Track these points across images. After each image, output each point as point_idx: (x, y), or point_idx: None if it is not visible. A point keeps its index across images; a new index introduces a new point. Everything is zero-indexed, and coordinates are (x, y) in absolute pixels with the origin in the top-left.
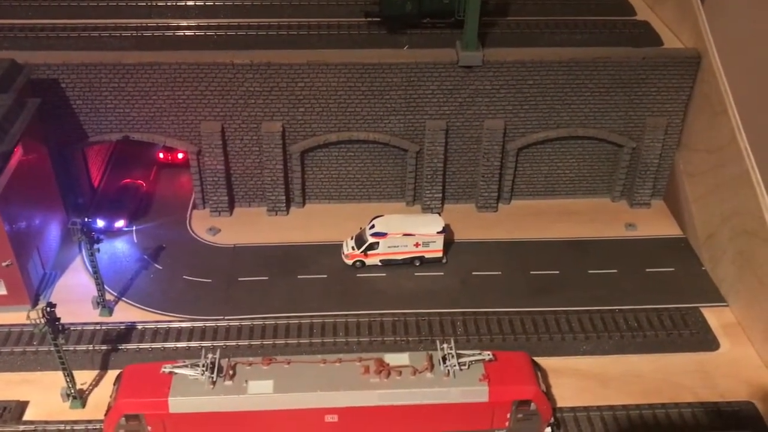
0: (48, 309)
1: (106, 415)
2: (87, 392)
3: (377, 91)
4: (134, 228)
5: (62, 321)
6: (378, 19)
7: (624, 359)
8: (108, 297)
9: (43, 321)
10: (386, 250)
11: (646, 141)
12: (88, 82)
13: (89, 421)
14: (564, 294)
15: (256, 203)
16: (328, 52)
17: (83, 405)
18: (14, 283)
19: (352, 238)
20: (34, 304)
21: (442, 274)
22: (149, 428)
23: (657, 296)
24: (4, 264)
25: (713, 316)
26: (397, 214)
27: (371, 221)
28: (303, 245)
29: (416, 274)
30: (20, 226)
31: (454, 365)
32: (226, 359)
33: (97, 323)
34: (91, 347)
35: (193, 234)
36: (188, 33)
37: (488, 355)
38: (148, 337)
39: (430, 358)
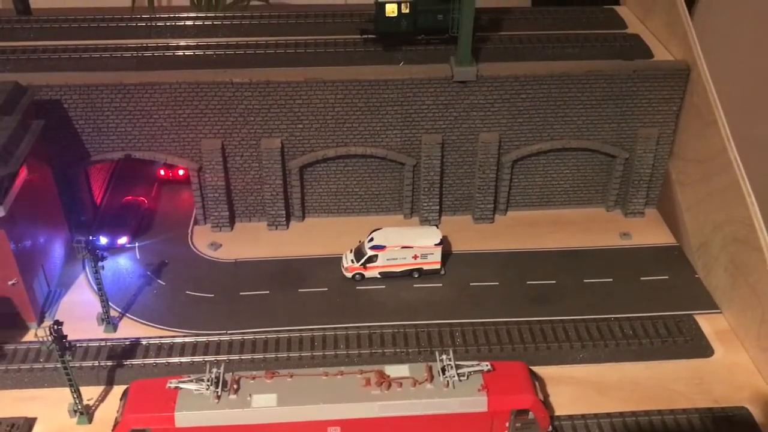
0: (55, 327)
1: (113, 430)
2: (94, 408)
3: (374, 107)
4: (137, 244)
5: (68, 338)
6: (373, 37)
7: (620, 367)
8: (112, 313)
9: (50, 338)
10: (385, 262)
11: (639, 151)
12: (90, 102)
13: None
14: (560, 303)
15: (257, 218)
16: (326, 69)
17: (90, 420)
18: (20, 301)
19: (351, 251)
20: (40, 321)
21: (440, 285)
22: None
23: (651, 304)
24: (10, 283)
25: (707, 323)
26: (395, 227)
27: (370, 234)
28: (303, 259)
29: (415, 285)
30: (25, 245)
31: (454, 376)
32: (230, 373)
33: (102, 339)
34: (96, 363)
35: (194, 249)
36: (188, 52)
37: (486, 365)
38: (153, 352)
39: (430, 369)
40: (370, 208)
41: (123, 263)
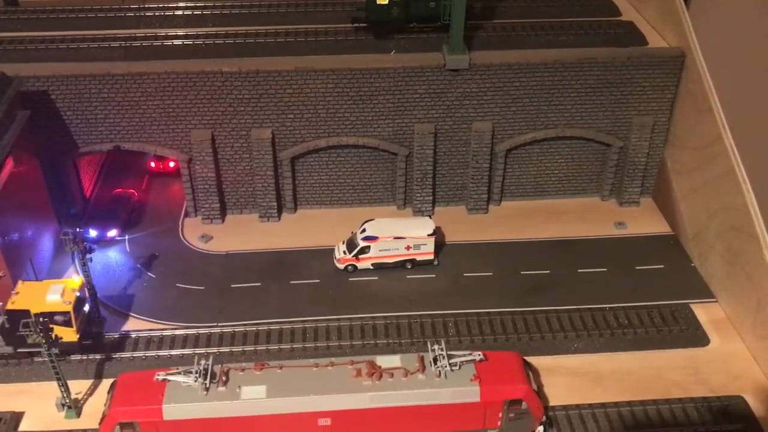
0: (42, 319)
1: (100, 423)
2: (82, 402)
3: (365, 96)
4: (127, 237)
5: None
6: (365, 25)
7: (615, 357)
8: (101, 306)
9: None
10: (378, 253)
11: (634, 140)
12: (78, 93)
13: (84, 430)
14: (555, 293)
15: (248, 210)
16: (316, 58)
17: (78, 414)
18: (7, 295)
19: (343, 243)
20: None
21: (433, 276)
22: None
23: (647, 293)
24: None
25: (703, 312)
26: (388, 217)
27: (362, 225)
28: (295, 250)
29: (408, 276)
30: (13, 238)
31: (445, 366)
32: (219, 365)
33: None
34: (84, 357)
35: (185, 242)
36: (176, 42)
37: (479, 355)
38: (142, 345)
39: (422, 359)
40: (362, 199)
41: (112, 256)
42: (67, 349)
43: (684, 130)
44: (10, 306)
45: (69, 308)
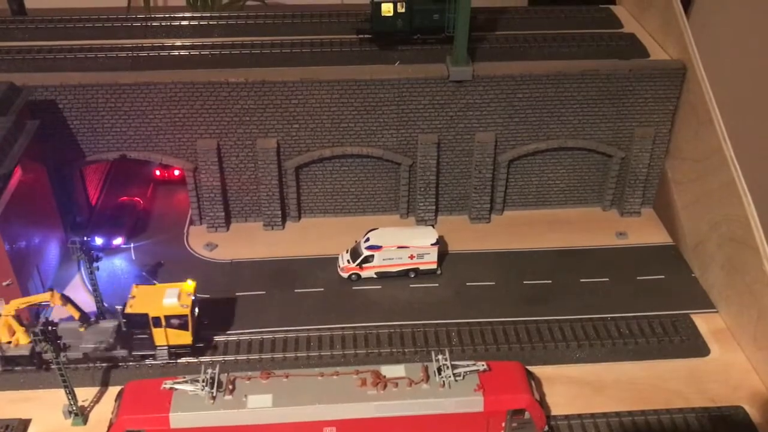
0: (49, 327)
1: (108, 431)
2: (88, 409)
3: (370, 107)
4: (132, 245)
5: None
6: (369, 36)
7: (617, 366)
8: (108, 314)
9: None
10: (381, 262)
11: (635, 151)
12: (85, 102)
13: None
14: (557, 303)
15: (253, 218)
16: (322, 69)
17: (85, 422)
18: None
19: (347, 252)
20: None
21: (436, 285)
22: None
23: (648, 303)
24: (4, 283)
25: (703, 323)
26: (391, 226)
27: (366, 234)
28: (299, 259)
29: (411, 285)
30: (20, 246)
31: (449, 376)
32: (226, 374)
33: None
34: (91, 364)
35: (190, 250)
36: (183, 53)
37: (482, 365)
38: None
39: (426, 369)
40: (366, 208)
41: (118, 264)
42: (180, 351)
43: (685, 141)
44: (129, 310)
45: (186, 312)
